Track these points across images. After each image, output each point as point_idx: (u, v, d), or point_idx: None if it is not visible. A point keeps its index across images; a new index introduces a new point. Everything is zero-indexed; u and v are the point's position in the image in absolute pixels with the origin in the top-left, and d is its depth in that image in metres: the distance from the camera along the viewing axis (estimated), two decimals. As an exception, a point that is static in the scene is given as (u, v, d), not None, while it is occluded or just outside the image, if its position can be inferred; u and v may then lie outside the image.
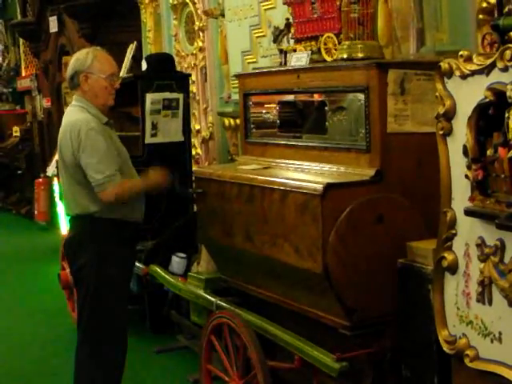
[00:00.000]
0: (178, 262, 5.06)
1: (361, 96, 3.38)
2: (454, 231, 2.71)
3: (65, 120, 3.98)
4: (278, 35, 4.22)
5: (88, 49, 4.09)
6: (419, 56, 3.91)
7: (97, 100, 3.95)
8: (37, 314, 6.77)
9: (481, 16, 3.03)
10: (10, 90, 14.25)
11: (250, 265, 3.89)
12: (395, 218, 3.29)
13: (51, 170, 8.57)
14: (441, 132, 2.71)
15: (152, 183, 4.08)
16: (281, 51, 4.15)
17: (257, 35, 5.43)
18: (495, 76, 2.45)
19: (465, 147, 2.60)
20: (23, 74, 13.83)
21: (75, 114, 3.92)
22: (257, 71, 4.49)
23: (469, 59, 2.57)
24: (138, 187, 4.04)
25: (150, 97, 5.32)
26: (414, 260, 3.05)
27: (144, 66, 5.77)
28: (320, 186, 3.21)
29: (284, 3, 4.16)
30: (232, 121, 5.83)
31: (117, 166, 3.86)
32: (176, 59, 6.29)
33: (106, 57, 4.02)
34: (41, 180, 10.71)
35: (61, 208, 7.85)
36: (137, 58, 6.55)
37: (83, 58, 3.96)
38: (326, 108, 3.69)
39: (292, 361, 3.62)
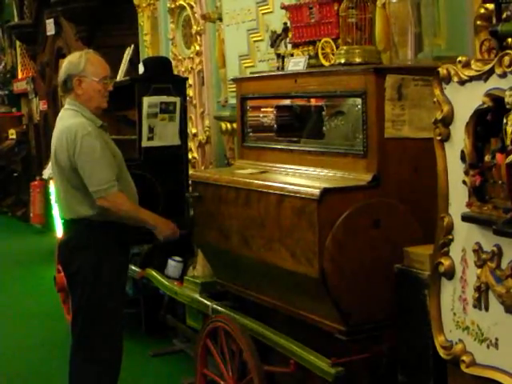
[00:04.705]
0: (174, 265, 5.05)
1: (358, 101, 3.38)
2: (450, 237, 2.71)
3: (59, 124, 3.94)
4: (275, 40, 4.22)
5: (80, 52, 4.07)
6: (417, 61, 3.90)
7: (90, 103, 3.93)
8: (32, 317, 6.76)
9: (479, 22, 3.03)
10: (7, 92, 14.23)
11: (246, 269, 3.89)
12: (392, 223, 3.29)
13: (47, 172, 8.53)
14: (438, 137, 2.72)
15: (159, 223, 4.00)
16: (278, 56, 4.14)
17: (254, 39, 5.42)
18: (493, 82, 2.45)
19: (462, 153, 2.60)
20: (20, 76, 13.80)
21: (70, 118, 3.89)
22: (254, 75, 4.49)
23: (467, 65, 2.58)
24: (142, 213, 3.96)
25: (146, 100, 5.31)
26: (411, 265, 3.05)
27: (141, 69, 5.75)
28: (317, 191, 3.21)
29: (282, 8, 4.17)
30: (229, 125, 5.82)
31: (115, 171, 3.84)
32: (173, 63, 6.28)
33: (98, 59, 4.00)
34: (37, 183, 10.70)
35: (56, 211, 7.84)
36: (134, 62, 6.53)
37: (76, 61, 3.92)
38: (324, 113, 3.69)
39: (287, 365, 3.61)
